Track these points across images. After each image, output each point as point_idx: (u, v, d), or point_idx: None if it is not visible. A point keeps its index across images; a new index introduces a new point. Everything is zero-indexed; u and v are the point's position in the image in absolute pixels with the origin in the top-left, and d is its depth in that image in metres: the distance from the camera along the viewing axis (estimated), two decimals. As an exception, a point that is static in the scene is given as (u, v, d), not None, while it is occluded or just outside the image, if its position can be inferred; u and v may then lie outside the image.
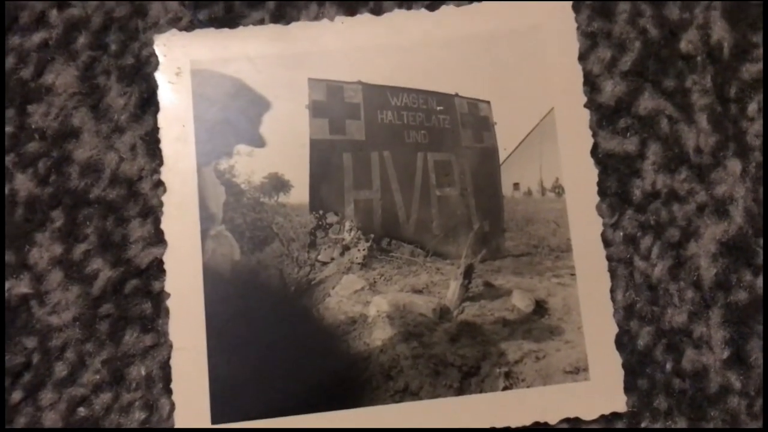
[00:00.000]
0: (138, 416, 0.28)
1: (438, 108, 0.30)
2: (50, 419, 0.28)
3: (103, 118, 0.30)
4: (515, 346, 0.29)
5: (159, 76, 0.30)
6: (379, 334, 0.29)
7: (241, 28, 0.30)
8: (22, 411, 0.28)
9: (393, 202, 0.30)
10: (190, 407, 0.27)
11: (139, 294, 0.29)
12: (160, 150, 0.29)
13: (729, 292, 0.30)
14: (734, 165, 0.30)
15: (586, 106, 0.30)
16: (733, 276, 0.30)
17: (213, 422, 0.27)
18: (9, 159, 0.30)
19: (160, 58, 0.30)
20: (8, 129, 0.30)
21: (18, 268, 0.29)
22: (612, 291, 0.29)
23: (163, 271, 0.29)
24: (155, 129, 0.30)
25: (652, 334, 0.29)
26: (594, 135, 0.30)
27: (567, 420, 0.29)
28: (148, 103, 0.30)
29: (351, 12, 0.31)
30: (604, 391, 0.29)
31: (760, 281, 0.30)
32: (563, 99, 0.30)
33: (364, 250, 0.29)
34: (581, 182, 0.30)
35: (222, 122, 0.30)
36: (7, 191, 0.30)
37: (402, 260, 0.29)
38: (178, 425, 0.28)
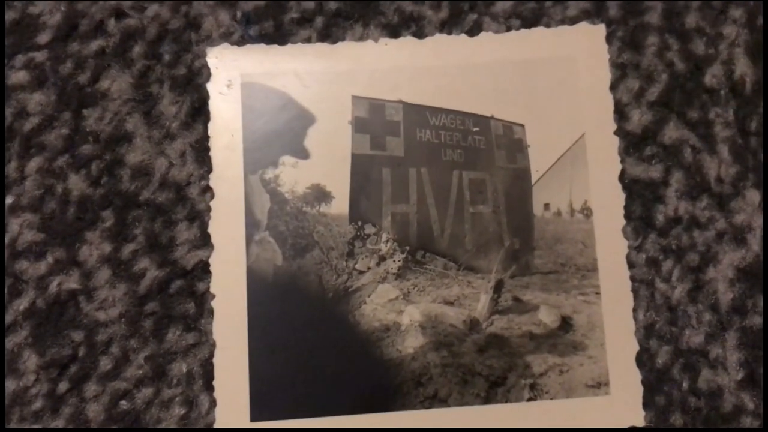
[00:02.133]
0: (178, 411, 0.29)
1: (474, 129, 0.32)
2: (93, 411, 0.29)
3: (155, 124, 0.31)
4: (540, 359, 0.30)
5: (210, 87, 0.31)
6: (411, 342, 0.30)
7: (289, 45, 0.32)
8: (68, 401, 0.29)
9: (428, 217, 0.31)
10: (231, 404, 0.29)
11: (184, 294, 0.30)
12: (209, 157, 0.31)
13: (744, 316, 0.31)
14: (753, 195, 0.32)
15: (615, 133, 0.32)
16: (749, 301, 0.31)
17: (252, 420, 0.29)
18: (63, 159, 0.31)
19: (212, 70, 0.32)
20: (63, 131, 0.31)
21: (68, 265, 0.30)
22: (634, 310, 0.31)
23: (207, 273, 0.30)
24: (205, 137, 0.31)
25: (670, 354, 0.31)
26: (621, 161, 0.32)
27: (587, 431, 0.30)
28: (199, 112, 0.31)
29: (395, 34, 0.32)
30: (624, 405, 0.30)
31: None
32: (594, 125, 0.32)
33: (399, 261, 0.31)
34: (608, 205, 0.31)
35: (269, 133, 0.31)
36: (60, 191, 0.31)
37: (435, 272, 0.31)
38: (218, 421, 0.29)
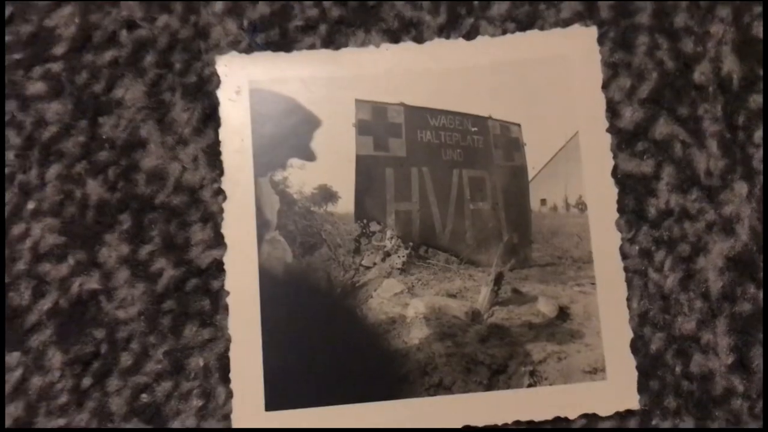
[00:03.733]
0: (196, 403, 0.31)
1: (473, 129, 0.33)
2: (116, 404, 0.31)
3: (168, 130, 0.33)
4: (539, 347, 0.32)
5: (220, 94, 0.33)
6: (417, 334, 0.32)
7: (295, 52, 0.33)
8: (91, 396, 0.31)
9: (430, 214, 0.33)
10: (246, 395, 0.30)
11: (199, 292, 0.32)
12: (220, 161, 0.32)
13: (734, 303, 0.33)
14: (741, 187, 0.33)
15: (607, 130, 0.33)
16: (738, 289, 0.33)
17: (267, 409, 0.30)
18: (81, 166, 0.33)
19: (221, 78, 0.33)
20: (80, 138, 0.33)
21: (88, 266, 0.32)
22: (628, 299, 0.32)
23: (221, 272, 0.32)
24: (216, 142, 0.33)
25: (663, 340, 0.32)
26: (614, 157, 0.33)
27: (585, 416, 0.31)
28: (210, 118, 0.33)
29: (395, 39, 0.34)
30: (619, 390, 0.31)
31: (762, 294, 0.33)
32: (587, 123, 0.33)
33: (403, 256, 0.32)
34: (602, 200, 0.33)
35: (277, 137, 0.32)
36: (79, 195, 0.32)
37: (438, 267, 0.32)
38: (235, 411, 0.30)
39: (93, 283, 0.32)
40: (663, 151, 0.34)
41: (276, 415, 0.30)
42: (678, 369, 0.32)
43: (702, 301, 0.33)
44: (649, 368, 0.32)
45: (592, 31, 0.34)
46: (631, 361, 0.32)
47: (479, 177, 0.33)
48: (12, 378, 0.31)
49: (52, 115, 0.33)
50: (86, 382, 0.31)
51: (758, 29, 0.34)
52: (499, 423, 0.31)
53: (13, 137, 0.33)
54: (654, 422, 0.32)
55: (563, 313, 0.32)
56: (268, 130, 0.32)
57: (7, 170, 0.32)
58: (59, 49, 0.33)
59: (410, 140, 0.33)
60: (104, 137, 0.33)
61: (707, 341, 0.32)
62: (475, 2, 0.34)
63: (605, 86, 0.34)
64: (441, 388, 0.31)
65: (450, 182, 0.33)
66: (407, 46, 0.33)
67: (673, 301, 0.33)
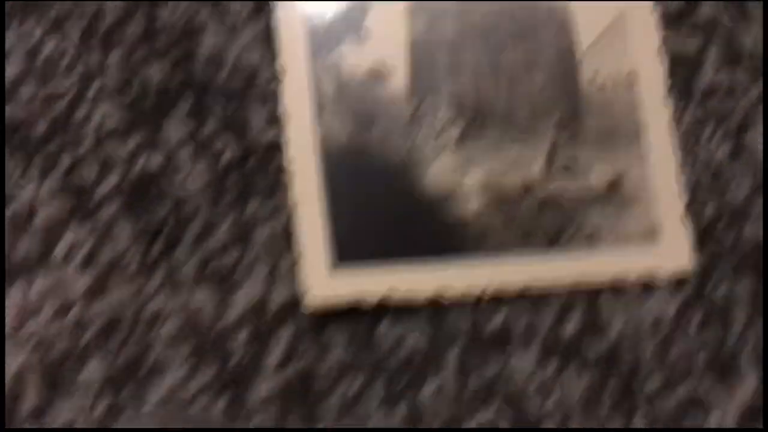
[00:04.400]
0: (262, 270, 0.32)
1: (522, 8, 0.34)
2: (184, 273, 0.32)
3: (224, 15, 0.34)
4: (594, 214, 0.32)
5: (273, -19, 0.34)
6: (472, 206, 0.32)
7: (346, -62, 0.34)
8: (160, 265, 0.32)
9: (484, 90, 0.33)
10: (313, 256, 0.31)
11: (260, 170, 0.33)
12: (276, 43, 0.33)
13: (784, 172, 0.33)
14: (786, 63, 0.34)
15: (654, 7, 0.34)
16: (787, 160, 0.33)
17: (333, 267, 0.31)
18: (142, 51, 0.33)
19: (274, -34, 0.34)
20: (138, 27, 0.34)
21: (151, 146, 0.33)
22: (680, 170, 0.33)
23: (280, 150, 0.32)
24: (271, 24, 0.33)
25: (715, 208, 0.33)
26: (661, 34, 0.34)
27: (641, 278, 0.32)
28: (264, 3, 0.34)
29: (443, -74, 0.34)
30: (674, 254, 0.32)
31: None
32: (634, 3, 0.34)
33: (457, 132, 0.33)
34: (650, 75, 0.33)
35: (331, 17, 0.33)
36: (139, 80, 0.33)
37: (492, 140, 0.33)
38: (303, 270, 0.31)
39: (156, 161, 0.33)
40: (709, 30, 0.34)
41: (342, 272, 0.31)
42: (731, 235, 0.33)
43: (751, 172, 0.33)
44: (702, 234, 0.33)
45: None
46: (685, 226, 0.32)
47: (531, 53, 0.34)
48: (82, 251, 0.32)
49: (111, 6, 0.34)
50: (155, 251, 0.32)
51: None
52: (558, 285, 0.32)
53: (73, 30, 0.34)
54: (709, 285, 0.32)
55: (616, 183, 0.33)
56: (322, 9, 0.33)
57: (66, 61, 0.33)
58: (116, -58, 0.34)
59: (462, 19, 0.34)
60: (162, 24, 0.34)
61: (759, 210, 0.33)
62: None
63: (651, -36, 0.34)
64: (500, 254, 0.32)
65: (503, 59, 0.34)
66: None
67: (724, 171, 0.33)
